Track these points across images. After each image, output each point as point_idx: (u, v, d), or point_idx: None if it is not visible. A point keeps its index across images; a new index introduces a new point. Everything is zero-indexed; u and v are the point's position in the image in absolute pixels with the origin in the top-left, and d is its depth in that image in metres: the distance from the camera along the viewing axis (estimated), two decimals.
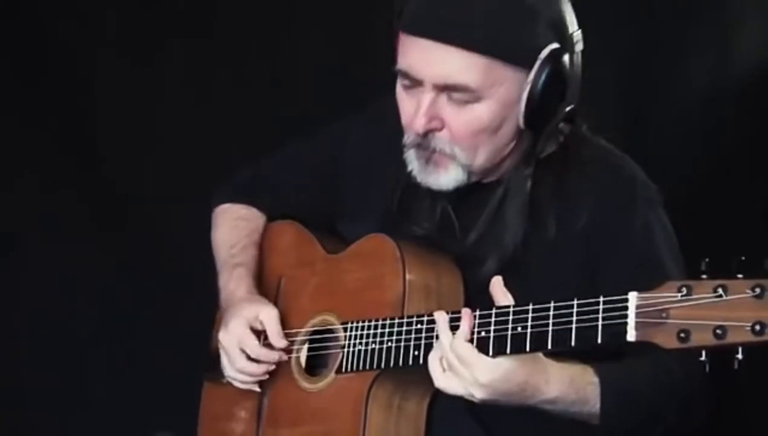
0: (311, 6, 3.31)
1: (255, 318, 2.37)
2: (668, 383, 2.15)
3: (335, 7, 3.28)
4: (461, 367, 2.03)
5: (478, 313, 2.05)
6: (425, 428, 2.28)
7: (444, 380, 2.07)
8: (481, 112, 2.17)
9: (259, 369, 2.37)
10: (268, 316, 2.37)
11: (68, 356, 3.34)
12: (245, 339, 2.36)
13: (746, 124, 3.11)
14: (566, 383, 2.08)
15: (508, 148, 2.24)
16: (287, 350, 2.37)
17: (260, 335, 2.37)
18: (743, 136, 3.11)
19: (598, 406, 2.11)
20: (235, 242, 2.56)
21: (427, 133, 2.20)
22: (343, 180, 2.49)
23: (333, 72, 3.30)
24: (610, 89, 3.13)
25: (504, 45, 2.14)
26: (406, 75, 2.19)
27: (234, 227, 2.60)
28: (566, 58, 2.18)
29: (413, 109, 2.20)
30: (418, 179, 2.26)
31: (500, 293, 2.05)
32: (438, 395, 2.24)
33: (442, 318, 2.08)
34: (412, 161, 2.25)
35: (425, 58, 2.16)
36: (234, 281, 2.49)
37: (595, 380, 2.10)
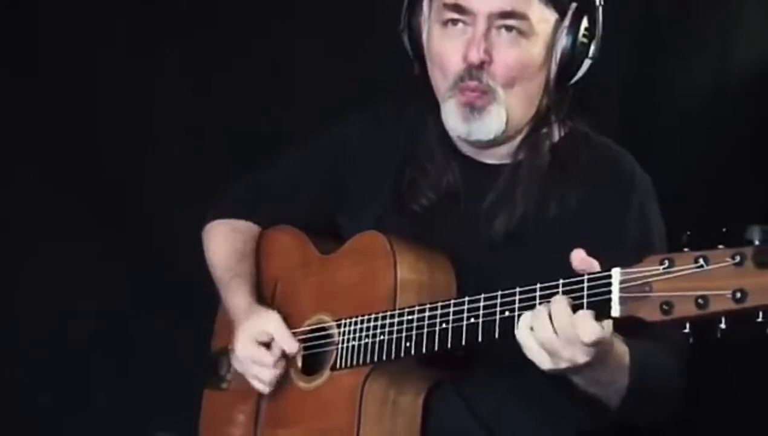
0: (312, 5, 3.32)
1: (261, 332, 2.36)
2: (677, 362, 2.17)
3: (336, 6, 3.29)
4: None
5: (466, 299, 2.07)
6: (421, 423, 2.27)
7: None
8: (530, 48, 2.23)
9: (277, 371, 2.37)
10: (274, 326, 2.37)
11: (68, 356, 3.33)
12: (256, 356, 2.36)
13: (746, 123, 3.11)
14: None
15: (532, 110, 2.28)
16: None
17: (269, 345, 2.37)
18: (743, 135, 3.11)
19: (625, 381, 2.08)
20: (231, 253, 2.55)
21: (473, 68, 2.21)
22: (346, 176, 2.49)
23: (334, 69, 3.30)
24: (610, 89, 3.13)
25: None
26: (455, 7, 2.21)
27: (228, 239, 2.58)
28: (599, 7, 2.26)
29: (458, 46, 2.22)
30: (461, 134, 2.28)
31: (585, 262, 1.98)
32: (434, 391, 2.26)
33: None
34: (451, 113, 2.27)
35: None
36: (231, 292, 2.48)
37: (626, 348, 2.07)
